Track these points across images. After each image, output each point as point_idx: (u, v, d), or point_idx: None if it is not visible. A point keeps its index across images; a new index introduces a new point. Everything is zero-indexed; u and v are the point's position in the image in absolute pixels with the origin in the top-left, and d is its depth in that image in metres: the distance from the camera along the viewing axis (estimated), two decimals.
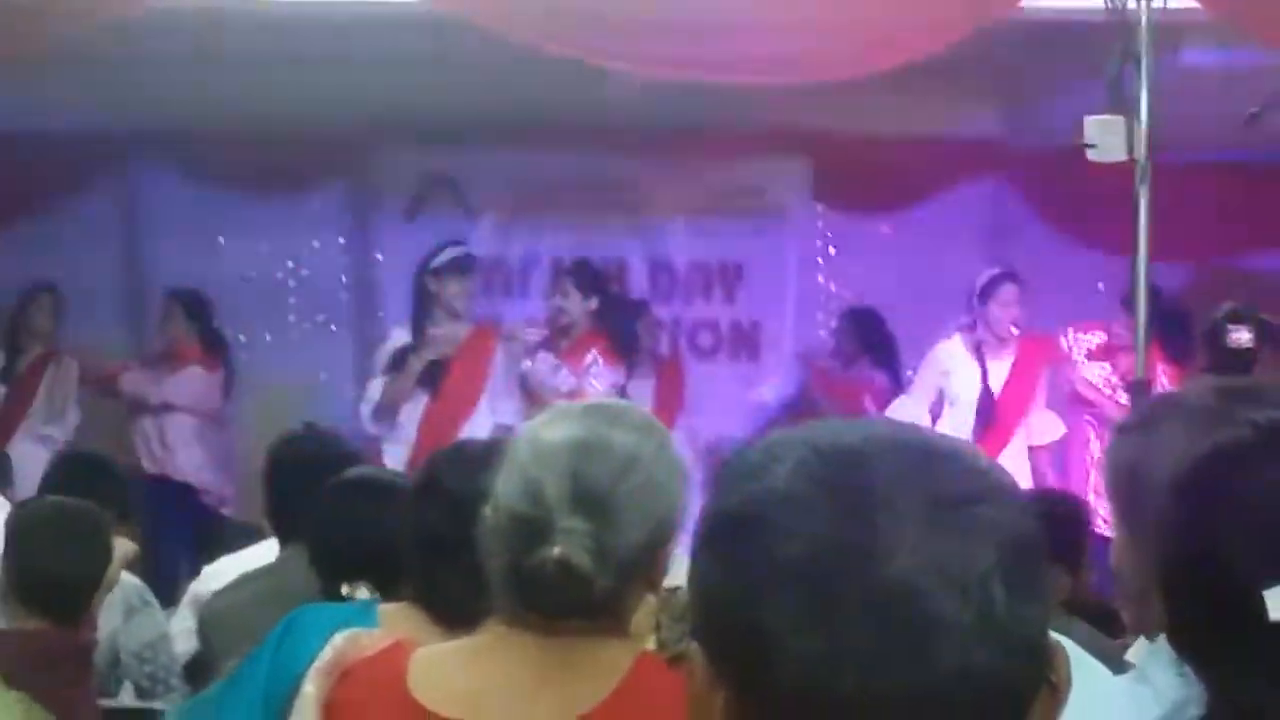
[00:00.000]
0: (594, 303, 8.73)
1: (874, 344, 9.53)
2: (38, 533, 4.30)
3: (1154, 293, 8.54)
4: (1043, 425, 8.74)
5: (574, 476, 2.22)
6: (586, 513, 2.21)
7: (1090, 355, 8.73)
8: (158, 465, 9.21)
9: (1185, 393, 1.62)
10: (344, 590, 3.66)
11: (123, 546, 4.61)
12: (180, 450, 9.21)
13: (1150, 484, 1.54)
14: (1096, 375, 8.64)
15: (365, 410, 8.42)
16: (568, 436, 2.27)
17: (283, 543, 4.56)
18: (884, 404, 9.00)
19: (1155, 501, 1.52)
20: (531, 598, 2.23)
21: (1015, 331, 8.62)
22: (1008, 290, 8.62)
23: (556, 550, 2.18)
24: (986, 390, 8.55)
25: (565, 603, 2.21)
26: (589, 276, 8.90)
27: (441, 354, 8.30)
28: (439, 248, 8.55)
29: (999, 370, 8.61)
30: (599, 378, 8.51)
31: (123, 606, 4.78)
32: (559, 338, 8.71)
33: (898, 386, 9.27)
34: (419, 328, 8.41)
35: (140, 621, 4.82)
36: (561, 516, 2.20)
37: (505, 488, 2.27)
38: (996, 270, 8.82)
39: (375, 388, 8.45)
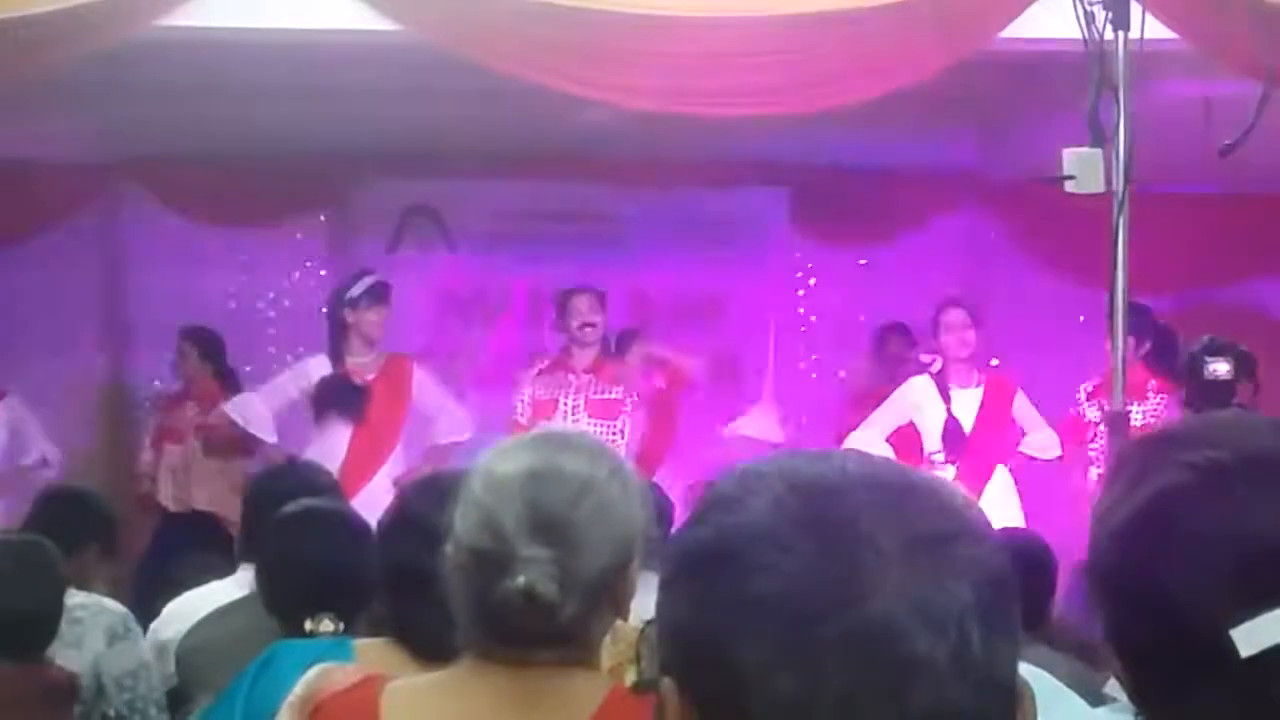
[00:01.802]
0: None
1: (911, 356, 9.51)
2: None
3: (1146, 313, 8.59)
4: (1040, 441, 8.72)
5: (530, 505, 2.22)
6: (546, 540, 2.20)
7: (1090, 395, 8.69)
8: (181, 501, 9.19)
9: (1123, 450, 1.62)
10: (307, 625, 3.64)
11: None
12: (203, 483, 9.20)
13: (1094, 545, 1.54)
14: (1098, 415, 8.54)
15: (248, 400, 8.47)
16: (520, 467, 2.27)
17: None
18: None
19: (1099, 557, 1.51)
20: (499, 630, 2.23)
21: (965, 355, 8.58)
22: (954, 314, 8.62)
23: (521, 580, 2.18)
24: (953, 421, 8.52)
25: (533, 632, 2.21)
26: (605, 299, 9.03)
27: (362, 381, 8.39)
28: (353, 278, 8.62)
29: (966, 402, 8.59)
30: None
31: (106, 634, 4.77)
32: (568, 355, 8.85)
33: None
34: (337, 357, 8.46)
35: (121, 649, 4.80)
36: (522, 546, 2.20)
37: (463, 523, 2.27)
38: (945, 298, 8.84)
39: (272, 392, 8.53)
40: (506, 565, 2.20)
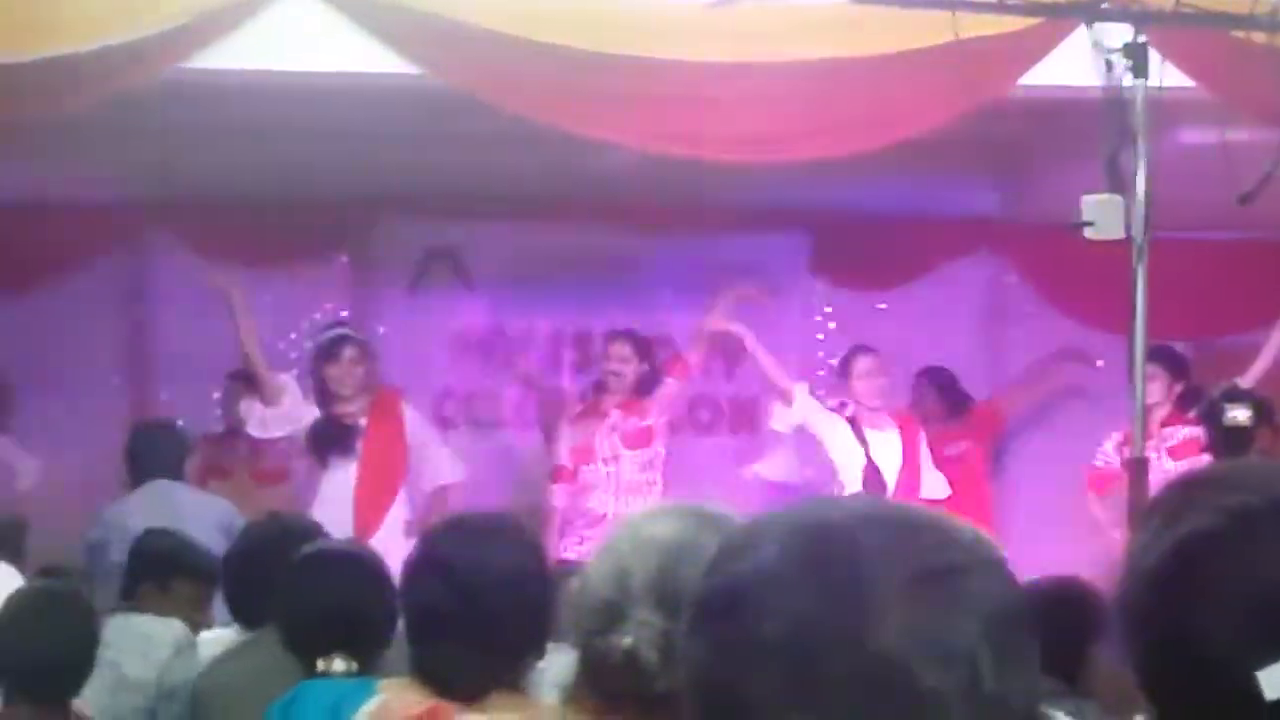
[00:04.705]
0: (644, 369, 8.98)
1: (956, 404, 9.51)
2: (22, 618, 4.31)
3: (1180, 356, 8.60)
4: (931, 483, 8.75)
5: (663, 571, 2.22)
6: (667, 610, 2.19)
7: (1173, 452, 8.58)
8: None
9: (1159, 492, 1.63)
10: (319, 665, 3.65)
11: None
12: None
13: (1126, 585, 1.55)
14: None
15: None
16: (667, 533, 2.26)
17: (258, 622, 4.56)
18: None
19: (1129, 598, 1.52)
20: (595, 680, 2.24)
21: (879, 403, 8.67)
22: (863, 362, 8.68)
23: (627, 640, 2.19)
24: (872, 466, 8.52)
25: (626, 693, 2.21)
26: (643, 344, 9.08)
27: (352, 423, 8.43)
28: (323, 329, 8.72)
29: (885, 445, 8.61)
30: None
31: (173, 646, 4.82)
32: (599, 399, 8.99)
33: None
34: (325, 407, 8.50)
35: (184, 662, 4.85)
36: (640, 608, 2.20)
37: (596, 569, 2.28)
38: (852, 346, 8.93)
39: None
40: (619, 620, 2.21)
